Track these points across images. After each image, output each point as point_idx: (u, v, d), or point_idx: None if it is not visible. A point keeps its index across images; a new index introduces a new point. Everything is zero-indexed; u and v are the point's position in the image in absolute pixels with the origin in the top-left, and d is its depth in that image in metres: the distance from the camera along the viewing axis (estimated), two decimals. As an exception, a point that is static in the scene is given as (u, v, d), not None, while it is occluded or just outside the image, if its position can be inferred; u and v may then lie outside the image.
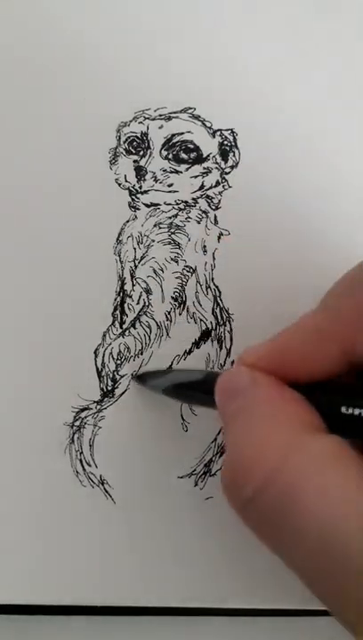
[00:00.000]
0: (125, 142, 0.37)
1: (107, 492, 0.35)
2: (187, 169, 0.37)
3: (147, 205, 0.37)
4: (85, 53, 0.37)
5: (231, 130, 0.37)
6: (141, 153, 0.37)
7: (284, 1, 0.38)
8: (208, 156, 0.37)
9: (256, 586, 0.35)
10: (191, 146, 0.37)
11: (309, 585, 0.22)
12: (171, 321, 0.36)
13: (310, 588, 0.22)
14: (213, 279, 0.36)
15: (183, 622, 0.35)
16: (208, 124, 0.37)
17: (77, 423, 0.35)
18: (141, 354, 0.36)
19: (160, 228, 0.37)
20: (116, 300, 0.36)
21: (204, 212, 0.37)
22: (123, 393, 0.35)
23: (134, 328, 0.36)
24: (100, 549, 0.35)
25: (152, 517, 0.35)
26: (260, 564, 0.35)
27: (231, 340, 0.36)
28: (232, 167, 0.37)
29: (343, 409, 0.25)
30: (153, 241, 0.36)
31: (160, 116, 0.37)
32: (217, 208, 0.37)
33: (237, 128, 0.37)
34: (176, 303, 0.36)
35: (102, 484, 0.35)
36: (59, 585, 0.34)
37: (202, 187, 0.37)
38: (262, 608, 0.35)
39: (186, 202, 0.37)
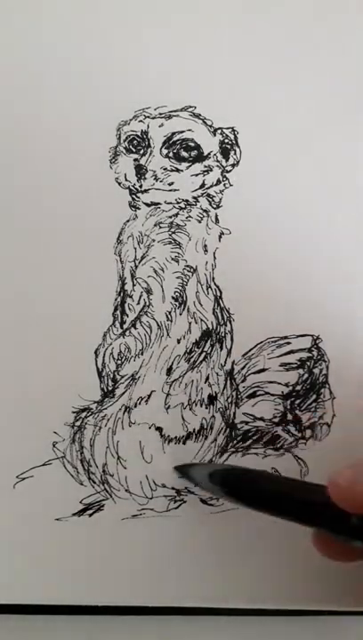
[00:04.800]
0: (125, 141, 0.36)
1: (108, 491, 0.35)
2: (187, 167, 0.37)
3: (147, 204, 0.36)
4: (86, 52, 0.37)
5: (232, 128, 0.37)
6: (142, 151, 0.36)
7: (284, 1, 0.38)
8: (209, 154, 0.37)
9: (256, 586, 0.35)
10: (192, 144, 0.37)
11: None
12: (171, 321, 0.36)
13: None
14: (213, 279, 0.36)
15: (183, 622, 0.35)
16: (209, 123, 0.37)
17: (78, 423, 0.35)
18: (142, 354, 0.36)
19: (161, 227, 0.36)
20: (116, 299, 0.36)
21: (205, 210, 0.37)
22: (123, 393, 0.35)
23: (135, 328, 0.36)
24: (100, 549, 0.35)
25: (153, 518, 0.35)
26: (260, 564, 0.35)
27: (232, 339, 0.36)
28: (233, 165, 0.37)
29: None
30: (153, 240, 0.36)
31: (160, 114, 0.36)
32: (218, 207, 0.37)
33: (238, 127, 0.37)
34: (177, 303, 0.36)
35: (103, 483, 0.35)
36: (59, 585, 0.34)
37: (203, 185, 0.37)
38: (262, 608, 0.35)
39: (187, 200, 0.37)
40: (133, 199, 0.36)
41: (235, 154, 0.37)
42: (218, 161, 0.37)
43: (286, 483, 0.32)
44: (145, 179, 0.36)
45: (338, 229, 0.37)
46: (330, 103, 0.38)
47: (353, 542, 0.27)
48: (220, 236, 0.37)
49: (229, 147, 0.37)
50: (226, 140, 0.37)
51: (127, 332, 0.36)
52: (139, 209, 0.36)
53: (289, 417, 0.36)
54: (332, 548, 0.30)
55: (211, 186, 0.37)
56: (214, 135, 0.37)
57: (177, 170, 0.37)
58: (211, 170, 0.37)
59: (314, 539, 0.31)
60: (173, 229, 0.36)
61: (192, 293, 0.36)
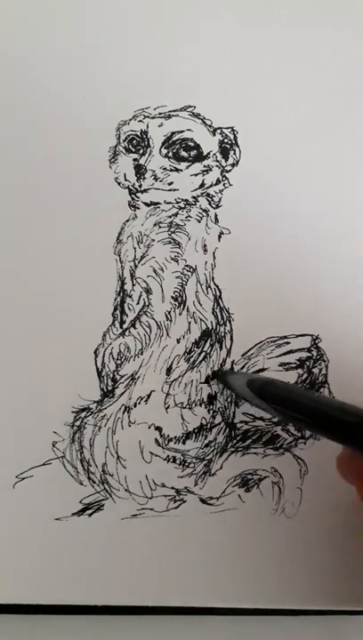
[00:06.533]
0: (124, 141, 0.36)
1: (107, 491, 0.35)
2: (187, 167, 0.37)
3: (147, 204, 0.36)
4: (85, 52, 0.37)
5: (232, 128, 0.37)
6: (141, 151, 0.36)
7: (283, 2, 0.38)
8: (208, 153, 0.37)
9: (256, 586, 0.35)
10: (191, 144, 0.37)
11: None
12: (171, 321, 0.36)
13: None
14: (213, 278, 0.36)
15: (183, 622, 0.35)
16: (208, 122, 0.37)
17: (78, 423, 0.35)
18: (142, 354, 0.36)
19: (160, 227, 0.36)
20: (116, 299, 0.36)
21: (204, 210, 0.37)
22: (122, 393, 0.35)
23: (134, 328, 0.36)
24: (100, 549, 0.35)
25: (152, 518, 0.35)
26: (260, 564, 0.35)
27: (231, 339, 0.36)
28: (233, 165, 0.37)
29: None
30: (153, 240, 0.36)
31: (160, 114, 0.36)
32: (218, 206, 0.37)
33: (238, 126, 0.37)
34: (176, 303, 0.36)
35: (103, 483, 0.35)
36: (59, 585, 0.34)
37: (202, 185, 0.37)
38: (262, 608, 0.35)
39: (186, 200, 0.37)
40: (133, 199, 0.36)
41: (234, 153, 0.37)
42: (217, 161, 0.37)
43: (323, 399, 0.31)
44: (144, 178, 0.36)
45: (338, 229, 0.37)
46: (330, 103, 0.38)
47: None
48: (219, 236, 0.37)
49: (228, 146, 0.37)
50: (225, 140, 0.37)
51: (127, 332, 0.36)
52: (138, 209, 0.36)
53: (289, 417, 0.36)
54: (354, 470, 0.30)
55: (210, 185, 0.37)
56: (214, 135, 0.37)
57: (176, 169, 0.36)
58: (210, 169, 0.37)
59: (339, 461, 0.30)
60: (172, 229, 0.36)
61: (192, 293, 0.36)
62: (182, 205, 0.37)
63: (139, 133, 0.36)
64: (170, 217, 0.36)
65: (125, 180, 0.36)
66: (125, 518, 0.35)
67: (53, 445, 0.35)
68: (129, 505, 0.35)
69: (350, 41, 0.38)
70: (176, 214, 0.37)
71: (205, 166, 0.37)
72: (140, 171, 0.36)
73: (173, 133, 0.36)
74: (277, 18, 0.38)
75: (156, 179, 0.36)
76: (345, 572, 0.35)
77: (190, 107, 0.37)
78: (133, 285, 0.36)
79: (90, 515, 0.35)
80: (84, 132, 0.36)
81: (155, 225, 0.36)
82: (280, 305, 0.36)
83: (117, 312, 0.36)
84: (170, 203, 0.36)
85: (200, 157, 0.37)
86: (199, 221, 0.37)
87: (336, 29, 0.38)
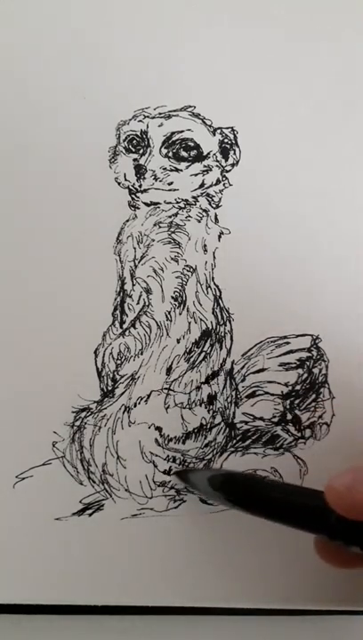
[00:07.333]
0: (124, 141, 0.36)
1: (107, 491, 0.35)
2: (187, 167, 0.37)
3: (147, 204, 0.36)
4: (85, 52, 0.37)
5: (232, 128, 0.37)
6: (141, 151, 0.36)
7: (283, 2, 0.38)
8: (208, 153, 0.37)
9: (256, 586, 0.35)
10: (191, 144, 0.37)
11: None
12: (171, 321, 0.36)
13: None
14: (213, 278, 0.36)
15: (183, 622, 0.35)
16: (208, 122, 0.37)
17: (78, 423, 0.35)
18: (142, 354, 0.36)
19: (160, 227, 0.36)
20: (116, 299, 0.36)
21: (204, 210, 0.37)
22: (122, 393, 0.35)
23: (134, 328, 0.36)
24: (100, 549, 0.35)
25: (152, 518, 0.35)
26: (260, 564, 0.35)
27: (231, 339, 0.36)
28: (233, 165, 0.37)
29: None
30: (153, 240, 0.36)
31: (160, 114, 0.36)
32: (218, 206, 0.37)
33: (238, 126, 0.37)
34: (176, 303, 0.36)
35: (103, 483, 0.35)
36: (59, 585, 0.34)
37: (202, 185, 0.37)
38: (262, 608, 0.35)
39: (186, 200, 0.37)
40: (133, 199, 0.36)
41: (234, 153, 0.37)
42: (217, 161, 0.37)
43: (285, 488, 0.31)
44: (144, 178, 0.36)
45: (338, 229, 0.37)
46: (330, 103, 0.38)
47: (351, 548, 0.27)
48: (219, 236, 0.37)
49: (228, 146, 0.37)
50: (225, 140, 0.37)
51: (127, 332, 0.36)
52: (138, 209, 0.36)
53: (289, 417, 0.36)
54: (332, 554, 0.30)
55: (210, 185, 0.37)
56: (214, 135, 0.37)
57: (176, 169, 0.37)
58: (210, 169, 0.37)
59: (316, 545, 0.30)
60: (172, 229, 0.36)
61: (192, 293, 0.36)
62: (182, 205, 0.37)
63: (139, 133, 0.36)
64: (170, 217, 0.36)
65: (125, 179, 0.36)
66: (125, 518, 0.35)
67: (53, 445, 0.35)
68: (129, 505, 0.35)
69: (350, 41, 0.38)
70: (176, 214, 0.37)
71: (205, 166, 0.37)
72: (140, 171, 0.36)
73: (172, 133, 0.36)
74: (277, 18, 0.38)
75: (156, 179, 0.36)
76: (345, 572, 0.35)
77: (190, 107, 0.37)
78: (133, 285, 0.36)
79: (90, 515, 0.35)
80: (84, 131, 0.36)
81: (155, 225, 0.36)
82: (280, 305, 0.36)
83: (117, 312, 0.36)
84: (170, 203, 0.36)
85: (200, 157, 0.37)
86: (199, 221, 0.37)
87: (337, 29, 0.38)
